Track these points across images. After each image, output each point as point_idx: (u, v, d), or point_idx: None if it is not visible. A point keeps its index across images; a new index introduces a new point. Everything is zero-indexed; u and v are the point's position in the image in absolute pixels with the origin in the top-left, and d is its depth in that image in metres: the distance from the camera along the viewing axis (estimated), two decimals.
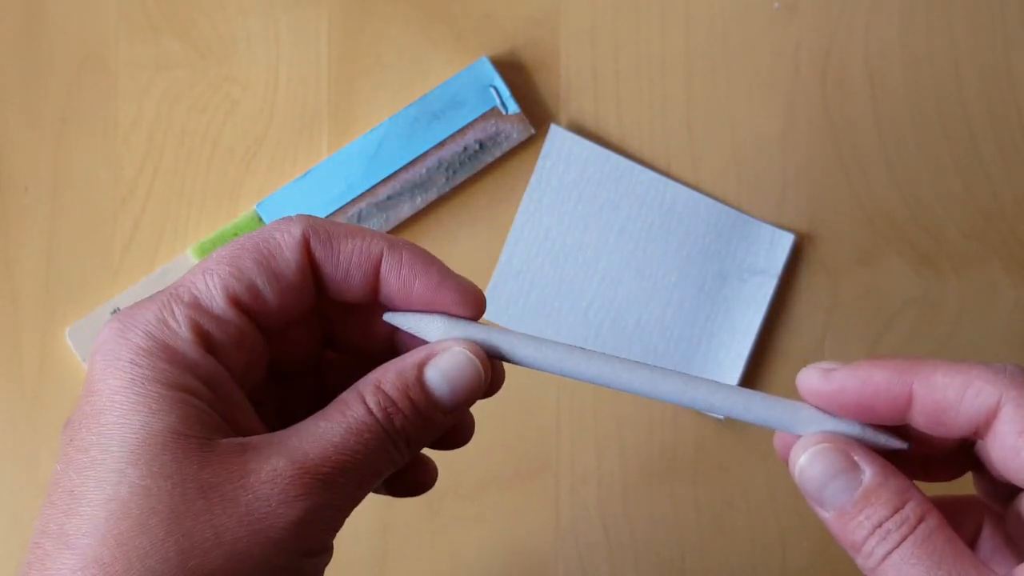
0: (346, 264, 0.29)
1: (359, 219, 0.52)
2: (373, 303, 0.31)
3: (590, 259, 0.52)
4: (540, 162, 0.52)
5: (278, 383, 0.32)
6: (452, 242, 0.53)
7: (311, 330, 0.32)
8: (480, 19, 0.53)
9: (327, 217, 0.52)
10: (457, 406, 0.30)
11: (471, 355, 0.30)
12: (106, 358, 0.27)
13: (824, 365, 0.31)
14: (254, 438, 0.27)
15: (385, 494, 0.33)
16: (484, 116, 0.52)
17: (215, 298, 0.28)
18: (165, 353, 0.27)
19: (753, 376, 0.52)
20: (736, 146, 0.53)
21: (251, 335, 0.29)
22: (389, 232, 0.52)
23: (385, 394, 0.29)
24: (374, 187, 0.52)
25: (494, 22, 0.53)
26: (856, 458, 0.28)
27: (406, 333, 0.31)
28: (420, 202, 0.52)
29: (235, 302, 0.28)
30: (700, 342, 0.52)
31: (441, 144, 0.52)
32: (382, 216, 0.52)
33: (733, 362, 0.52)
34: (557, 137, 0.52)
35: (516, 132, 0.52)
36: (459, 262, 0.53)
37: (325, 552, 0.28)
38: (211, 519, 0.26)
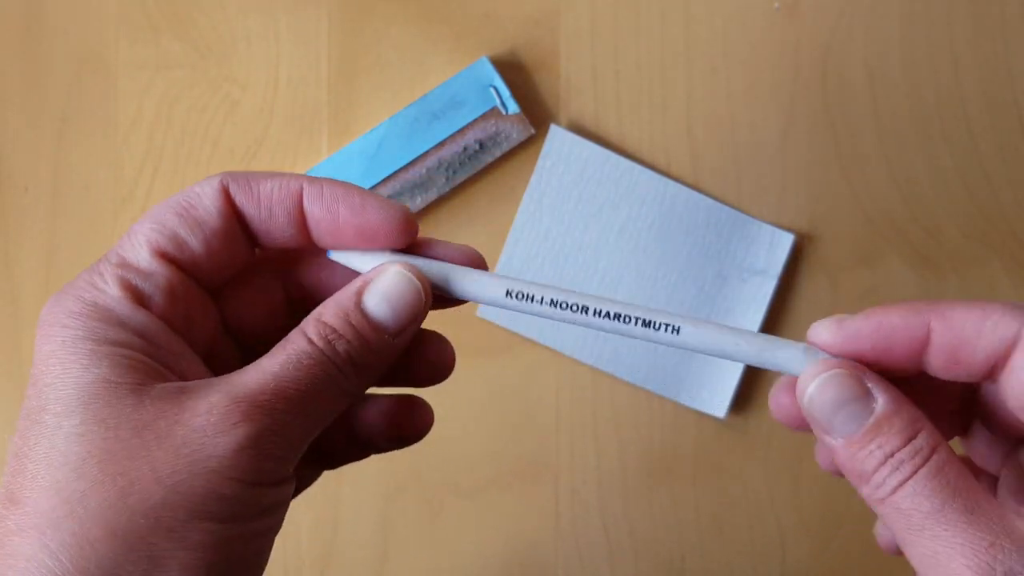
0: (268, 202, 0.30)
1: None
2: (305, 245, 0.31)
3: (590, 259, 0.52)
4: (540, 162, 0.52)
5: (247, 351, 0.32)
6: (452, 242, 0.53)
7: (267, 291, 0.32)
8: (480, 19, 0.53)
9: None
10: (402, 326, 0.29)
11: (408, 273, 0.30)
12: (41, 328, 0.28)
13: (835, 317, 0.30)
14: (194, 382, 0.28)
15: (400, 385, 0.33)
16: (484, 116, 0.52)
17: (140, 252, 0.29)
18: (95, 312, 0.28)
19: (753, 376, 0.52)
20: (736, 146, 0.53)
21: (183, 285, 0.29)
22: None
23: (325, 324, 0.29)
24: (374, 187, 0.52)
25: (494, 22, 0.53)
26: (869, 384, 0.28)
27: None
28: (420, 202, 0.52)
29: (160, 254, 0.29)
30: None
31: (441, 144, 0.52)
32: None
33: (733, 362, 0.52)
34: (557, 137, 0.52)
35: (516, 132, 0.52)
36: None
37: (282, 483, 0.28)
38: (147, 455, 0.26)
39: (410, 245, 0.31)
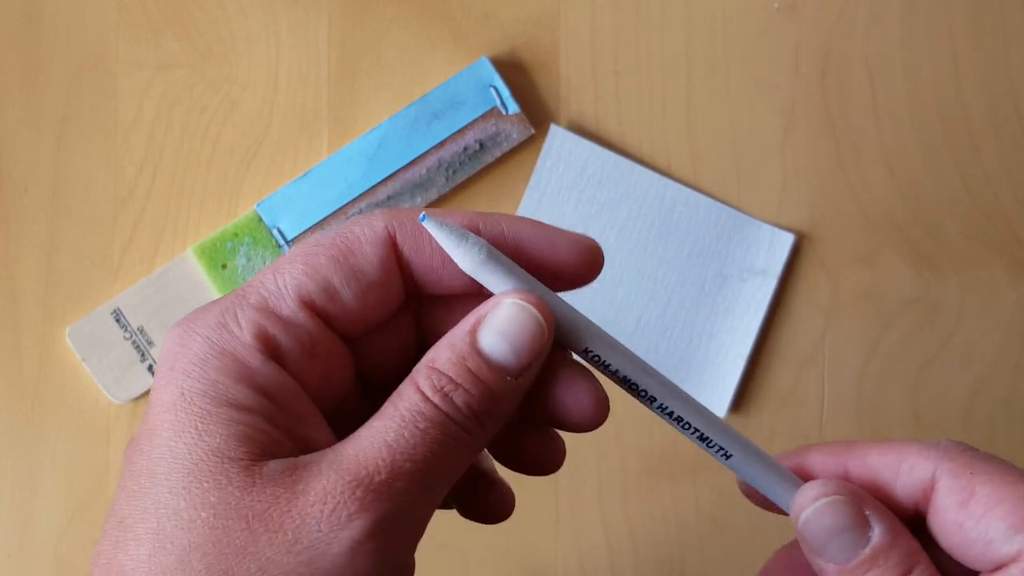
0: (441, 252, 0.26)
1: None
2: (475, 292, 0.27)
3: None
4: (540, 162, 0.52)
5: (376, 395, 0.29)
6: None
7: (401, 332, 0.29)
8: (480, 19, 0.53)
9: (326, 217, 0.52)
10: (524, 365, 0.26)
11: (524, 303, 0.26)
12: (162, 369, 0.26)
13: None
14: (306, 456, 0.25)
15: (462, 514, 0.31)
16: (484, 116, 0.52)
17: (285, 298, 0.26)
18: (221, 361, 0.25)
19: (753, 376, 0.52)
20: (736, 146, 0.53)
21: (327, 341, 0.26)
22: None
23: (439, 372, 0.25)
24: (374, 187, 0.52)
25: (494, 22, 0.53)
26: (867, 512, 0.26)
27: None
28: (420, 202, 0.52)
29: (308, 304, 0.26)
30: (700, 342, 0.52)
31: (441, 144, 0.52)
32: None
33: (733, 362, 0.52)
34: (557, 137, 0.52)
35: (516, 132, 0.52)
36: None
37: (404, 572, 0.25)
38: (256, 552, 0.23)
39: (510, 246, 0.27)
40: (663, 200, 0.52)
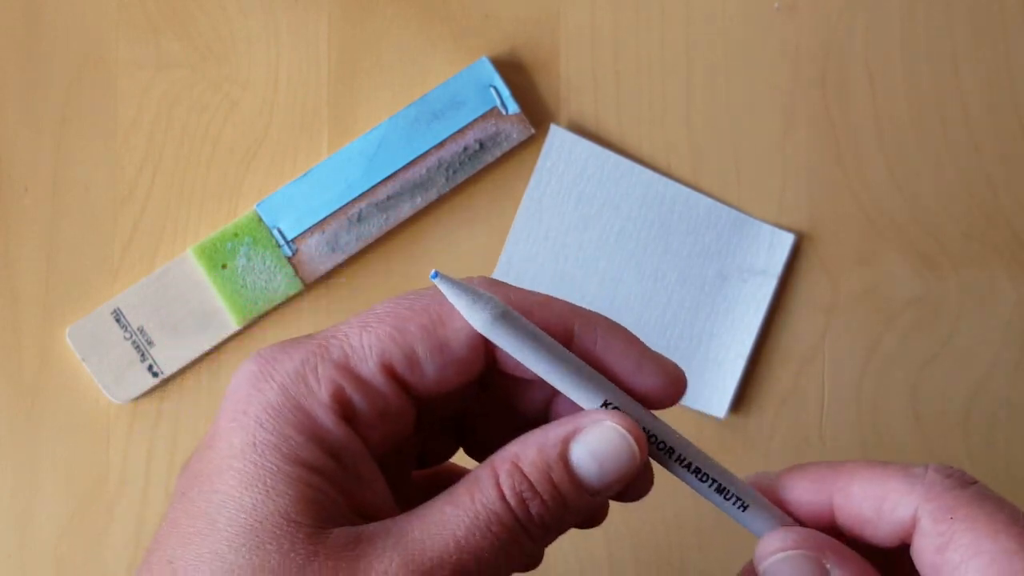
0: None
1: (359, 219, 0.52)
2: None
3: (590, 259, 0.52)
4: (540, 162, 0.52)
5: (420, 432, 0.29)
6: (452, 242, 0.53)
7: (466, 392, 0.28)
8: (480, 19, 0.53)
9: (326, 217, 0.52)
10: (606, 489, 0.26)
11: (624, 431, 0.26)
12: (235, 409, 0.25)
13: (752, 477, 0.29)
14: (371, 526, 0.24)
15: None
16: (484, 116, 0.52)
17: (367, 360, 0.25)
18: (295, 416, 0.25)
19: (753, 376, 0.52)
20: (736, 146, 0.53)
21: (399, 406, 0.26)
22: (388, 232, 0.52)
23: (522, 474, 0.25)
24: (374, 187, 0.52)
25: (494, 22, 0.53)
26: (829, 565, 0.26)
27: (564, 397, 0.27)
28: (420, 202, 0.52)
29: (388, 369, 0.25)
30: (700, 342, 0.52)
31: (441, 144, 0.52)
32: (382, 216, 0.52)
33: (733, 362, 0.52)
34: (557, 137, 0.52)
35: (516, 132, 0.52)
36: (459, 262, 0.53)
37: None
38: None
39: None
40: (663, 200, 0.52)
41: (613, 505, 0.52)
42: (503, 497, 0.25)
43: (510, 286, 0.26)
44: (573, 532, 0.55)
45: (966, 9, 0.52)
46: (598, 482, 0.26)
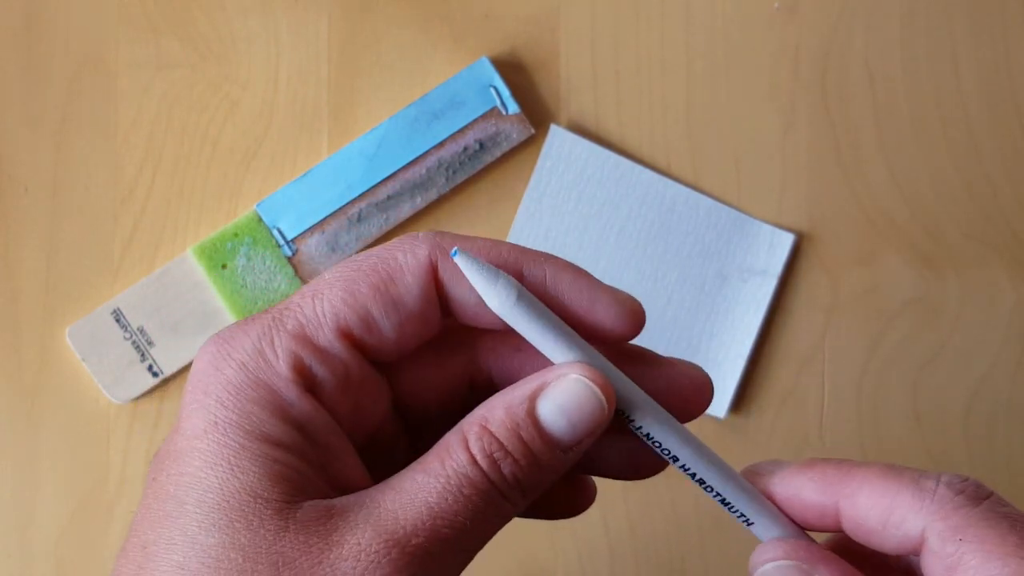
0: None
1: (359, 219, 0.52)
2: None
3: (590, 259, 0.52)
4: (540, 162, 0.52)
5: (416, 429, 0.29)
6: None
7: (449, 369, 0.28)
8: (480, 19, 0.53)
9: (326, 217, 0.52)
10: (577, 444, 0.25)
11: (590, 383, 0.25)
12: (196, 391, 0.25)
13: (764, 467, 0.28)
14: (342, 499, 0.24)
15: (530, 517, 0.30)
16: (484, 116, 0.52)
17: (323, 327, 0.25)
18: (256, 392, 0.24)
19: (753, 376, 0.52)
20: (736, 146, 0.53)
21: (361, 373, 0.26)
22: (388, 232, 0.52)
23: (491, 435, 0.25)
24: (374, 187, 0.52)
25: (494, 22, 0.53)
26: None
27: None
28: (420, 202, 0.52)
29: (345, 334, 0.25)
30: (700, 342, 0.52)
31: (441, 144, 0.52)
32: (382, 216, 0.52)
33: (733, 362, 0.52)
34: (557, 137, 0.52)
35: (516, 132, 0.52)
36: None
37: None
38: None
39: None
40: (663, 200, 0.52)
41: (613, 497, 0.52)
42: (474, 461, 0.24)
43: (456, 234, 0.26)
44: (575, 524, 0.55)
45: (966, 9, 0.52)
46: (569, 437, 0.25)
